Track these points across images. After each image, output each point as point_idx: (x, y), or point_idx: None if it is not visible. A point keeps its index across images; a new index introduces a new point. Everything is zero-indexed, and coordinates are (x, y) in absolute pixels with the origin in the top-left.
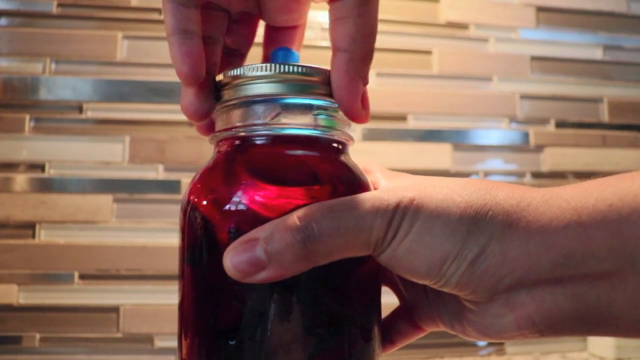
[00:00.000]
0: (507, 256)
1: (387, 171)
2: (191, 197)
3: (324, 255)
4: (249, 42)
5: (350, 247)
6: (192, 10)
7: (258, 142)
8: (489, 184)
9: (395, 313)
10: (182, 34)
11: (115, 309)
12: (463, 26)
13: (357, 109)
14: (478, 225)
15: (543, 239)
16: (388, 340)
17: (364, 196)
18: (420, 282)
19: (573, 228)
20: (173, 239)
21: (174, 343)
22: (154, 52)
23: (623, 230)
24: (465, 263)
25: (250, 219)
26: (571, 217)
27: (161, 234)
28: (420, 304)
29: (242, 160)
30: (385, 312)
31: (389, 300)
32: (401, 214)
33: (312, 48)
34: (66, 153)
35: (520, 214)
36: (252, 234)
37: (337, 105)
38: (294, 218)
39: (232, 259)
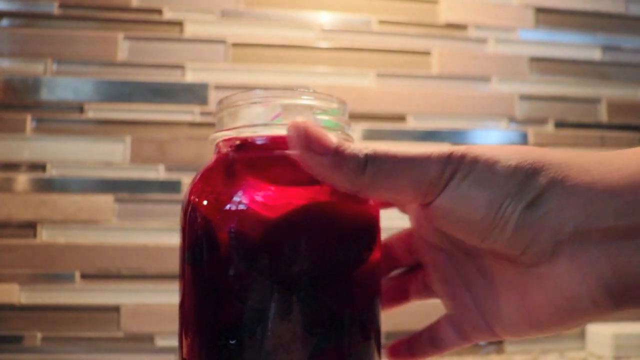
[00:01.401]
0: (569, 201)
1: None
2: (192, 197)
3: (377, 182)
4: None
5: (403, 185)
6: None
7: (258, 142)
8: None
9: (442, 321)
10: None
11: (116, 309)
12: (462, 27)
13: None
14: (536, 170)
15: (606, 186)
16: (432, 345)
17: (417, 148)
18: (472, 237)
19: (639, 176)
20: (174, 239)
21: (174, 342)
22: (154, 53)
23: None
24: (523, 204)
25: (251, 219)
26: (637, 166)
27: (162, 234)
28: (468, 311)
29: (242, 160)
30: (383, 313)
31: None
32: (457, 160)
33: (310, 49)
34: (67, 153)
35: (582, 163)
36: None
37: (336, 106)
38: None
39: (309, 127)
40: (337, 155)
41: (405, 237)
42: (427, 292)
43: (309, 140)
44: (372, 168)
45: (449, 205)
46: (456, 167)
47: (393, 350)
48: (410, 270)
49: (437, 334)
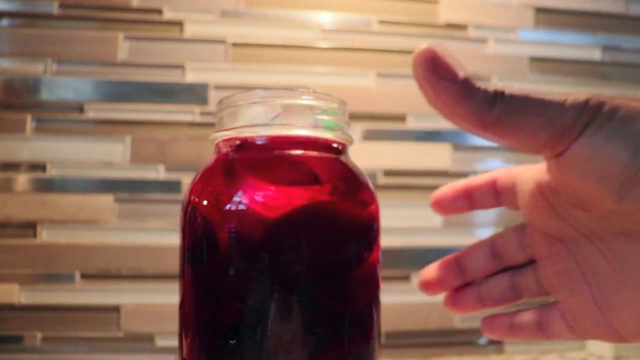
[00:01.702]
0: None
1: None
2: (192, 197)
3: (507, 119)
4: None
5: (535, 126)
6: None
7: (258, 142)
8: None
9: (555, 311)
10: None
11: (116, 309)
12: (462, 27)
13: None
14: None
15: None
16: (538, 330)
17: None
18: (609, 193)
19: None
20: (174, 239)
21: (175, 342)
22: (155, 53)
23: None
24: None
25: (251, 219)
26: None
27: (162, 234)
28: (588, 308)
29: (242, 160)
30: (383, 313)
31: (389, 300)
32: (595, 107)
33: (310, 49)
34: (67, 153)
35: None
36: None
37: (336, 106)
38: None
39: (438, 51)
40: (466, 84)
41: (518, 233)
42: (540, 288)
43: (436, 64)
44: (502, 104)
45: (587, 153)
46: (594, 113)
47: (491, 323)
48: (521, 267)
49: (546, 321)
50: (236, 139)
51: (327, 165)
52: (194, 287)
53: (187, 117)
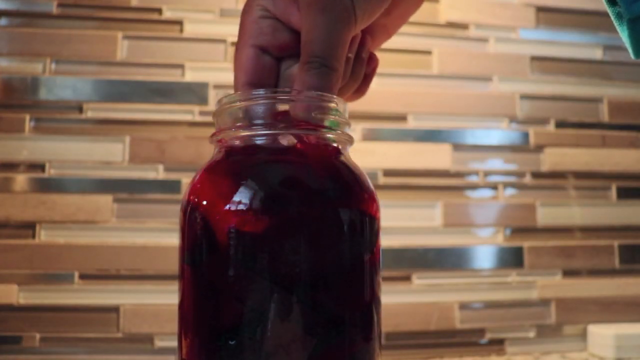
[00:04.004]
0: None
1: None
2: (191, 197)
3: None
4: None
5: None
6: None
7: (258, 142)
8: None
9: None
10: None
11: (115, 309)
12: (463, 26)
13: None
14: None
15: None
16: None
17: None
18: None
19: None
20: (173, 239)
21: (174, 343)
22: (154, 52)
23: None
24: None
25: (250, 219)
26: None
27: (161, 234)
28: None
29: (242, 160)
30: (384, 313)
31: (389, 300)
32: None
33: None
34: (66, 153)
35: None
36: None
37: (336, 106)
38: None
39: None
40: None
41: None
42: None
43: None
44: None
45: None
46: None
47: None
48: None
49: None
50: (236, 138)
51: (328, 166)
52: (194, 288)
53: (187, 117)
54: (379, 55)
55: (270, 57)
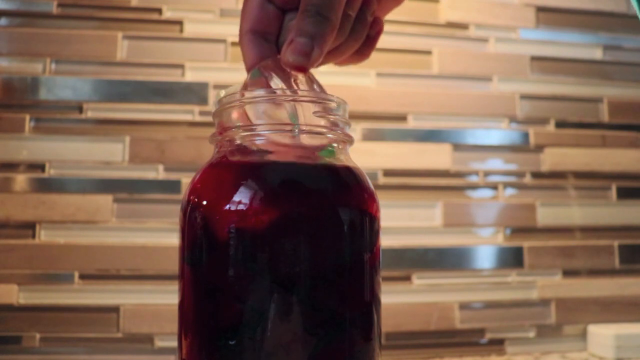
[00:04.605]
0: None
1: None
2: (191, 197)
3: None
4: None
5: None
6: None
7: (258, 142)
8: None
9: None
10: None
11: (115, 309)
12: (463, 26)
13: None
14: None
15: None
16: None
17: None
18: None
19: None
20: (173, 239)
21: (174, 343)
22: (154, 52)
23: None
24: None
25: (250, 219)
26: None
27: (161, 234)
28: None
29: (242, 160)
30: (384, 313)
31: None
32: None
33: None
34: (66, 153)
35: None
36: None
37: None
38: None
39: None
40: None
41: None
42: None
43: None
44: None
45: None
46: None
47: None
48: None
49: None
50: (236, 138)
51: (328, 166)
52: (194, 288)
53: (187, 117)
54: (378, 54)
55: (275, 8)
